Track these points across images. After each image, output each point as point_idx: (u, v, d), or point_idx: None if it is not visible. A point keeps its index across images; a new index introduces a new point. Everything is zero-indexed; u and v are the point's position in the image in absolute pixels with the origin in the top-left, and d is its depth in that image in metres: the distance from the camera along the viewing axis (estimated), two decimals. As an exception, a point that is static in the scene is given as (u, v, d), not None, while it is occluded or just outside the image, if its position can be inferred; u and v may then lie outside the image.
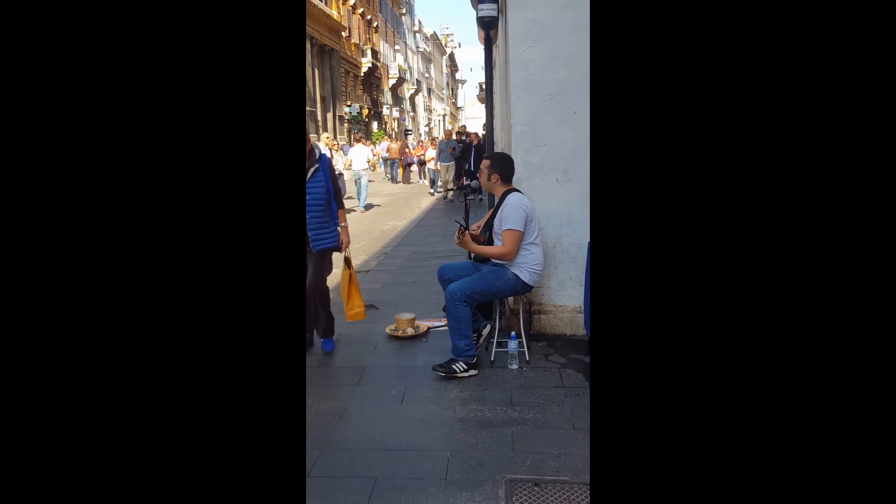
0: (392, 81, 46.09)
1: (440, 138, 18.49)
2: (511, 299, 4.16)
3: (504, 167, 3.77)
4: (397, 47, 48.96)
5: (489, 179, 3.76)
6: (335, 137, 31.35)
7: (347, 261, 4.08)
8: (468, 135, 15.69)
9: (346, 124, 34.86)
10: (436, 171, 15.73)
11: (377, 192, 15.70)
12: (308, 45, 27.64)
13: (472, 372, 3.59)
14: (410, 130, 44.32)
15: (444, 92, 73.31)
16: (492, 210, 3.90)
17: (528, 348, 3.84)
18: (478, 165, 12.87)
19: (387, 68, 45.07)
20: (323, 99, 31.46)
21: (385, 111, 43.89)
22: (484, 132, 17.44)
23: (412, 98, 54.70)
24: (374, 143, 20.36)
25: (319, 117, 30.42)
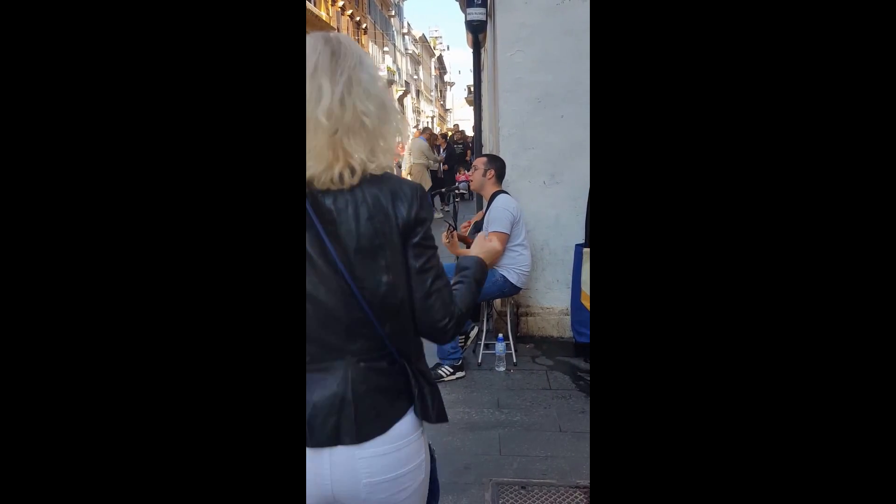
0: (381, 83, 45.99)
1: (412, 137, 15.44)
2: (498, 301, 4.17)
3: (499, 165, 3.79)
4: (386, 49, 48.88)
5: (484, 175, 3.76)
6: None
7: None
8: (435, 136, 13.42)
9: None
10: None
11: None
12: (296, 46, 27.46)
13: (459, 374, 3.59)
14: (399, 132, 44.15)
15: (432, 94, 73.28)
16: (481, 211, 3.90)
17: (516, 350, 3.85)
18: (448, 170, 12.20)
19: (375, 70, 44.94)
20: (311, 100, 31.28)
21: (374, 112, 43.71)
22: (453, 133, 16.80)
23: (401, 100, 54.62)
24: None
25: (307, 118, 30.19)
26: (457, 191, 4.54)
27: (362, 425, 1.09)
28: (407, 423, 1.13)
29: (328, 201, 1.07)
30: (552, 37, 4.02)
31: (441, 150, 12.50)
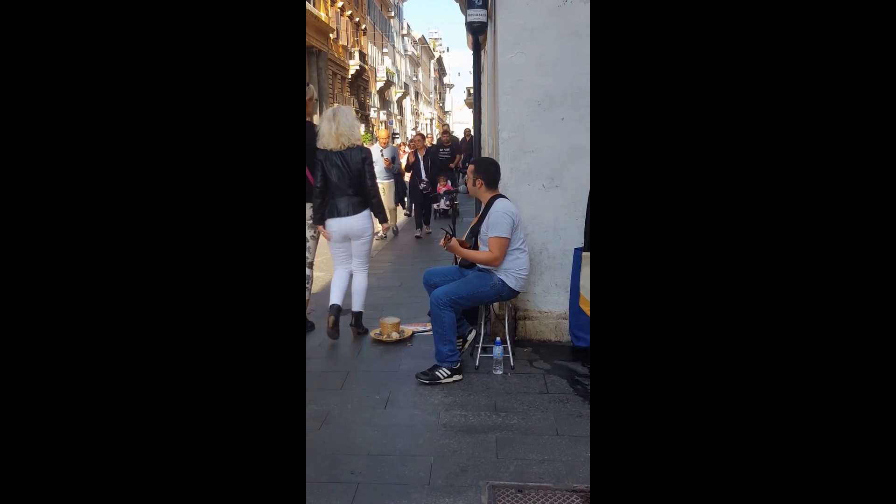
0: (380, 84, 46.03)
1: (374, 143, 10.05)
2: (496, 305, 4.16)
3: (488, 172, 3.76)
4: (385, 50, 48.92)
5: (474, 184, 3.77)
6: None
7: None
8: (418, 139, 9.95)
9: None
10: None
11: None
12: (296, 47, 27.38)
13: (457, 377, 3.59)
14: (398, 133, 44.24)
15: (431, 96, 73.33)
16: (478, 216, 3.90)
17: (513, 354, 3.84)
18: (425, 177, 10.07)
19: (374, 71, 45.01)
20: (310, 100, 31.29)
21: (372, 114, 43.83)
22: (441, 134, 15.79)
23: (399, 101, 54.67)
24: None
25: (306, 119, 30.23)
26: (455, 193, 4.52)
27: (356, 210, 4.31)
28: (367, 210, 4.37)
29: (337, 155, 4.27)
30: (553, 39, 4.02)
31: (387, 154, 8.91)
